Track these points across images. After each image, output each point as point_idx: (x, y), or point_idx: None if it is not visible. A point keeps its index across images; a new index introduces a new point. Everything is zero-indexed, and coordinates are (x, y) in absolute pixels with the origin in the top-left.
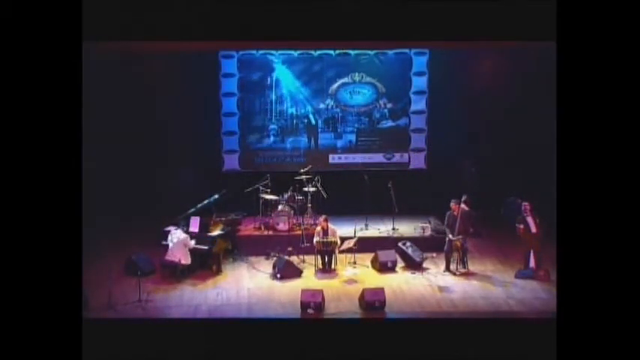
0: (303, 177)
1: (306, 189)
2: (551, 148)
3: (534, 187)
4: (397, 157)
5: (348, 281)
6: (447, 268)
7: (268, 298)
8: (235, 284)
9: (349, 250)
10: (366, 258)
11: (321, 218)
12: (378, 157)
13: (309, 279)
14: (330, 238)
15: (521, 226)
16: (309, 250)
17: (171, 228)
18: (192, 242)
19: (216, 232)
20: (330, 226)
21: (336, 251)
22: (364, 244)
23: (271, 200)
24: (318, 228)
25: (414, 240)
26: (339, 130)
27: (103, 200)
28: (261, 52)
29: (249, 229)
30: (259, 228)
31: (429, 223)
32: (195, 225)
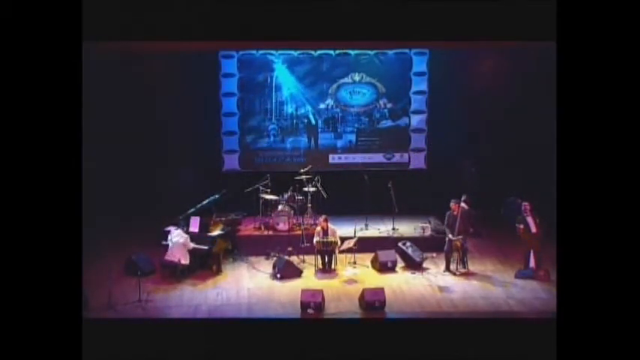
0: (303, 177)
1: (306, 189)
2: (551, 148)
3: (534, 187)
4: (397, 157)
5: (348, 281)
6: (447, 268)
7: (268, 298)
8: (235, 284)
9: (349, 250)
10: (366, 258)
11: (321, 218)
12: (378, 157)
13: (309, 279)
14: (330, 238)
15: (521, 226)
16: (309, 250)
17: (171, 228)
18: (192, 244)
19: (216, 232)
20: (330, 226)
21: (336, 251)
22: (364, 244)
23: (271, 200)
24: (318, 228)
25: (414, 240)
26: (339, 130)
27: (103, 200)
28: (261, 52)
29: (249, 229)
30: (259, 228)
31: (429, 223)
32: (195, 225)
